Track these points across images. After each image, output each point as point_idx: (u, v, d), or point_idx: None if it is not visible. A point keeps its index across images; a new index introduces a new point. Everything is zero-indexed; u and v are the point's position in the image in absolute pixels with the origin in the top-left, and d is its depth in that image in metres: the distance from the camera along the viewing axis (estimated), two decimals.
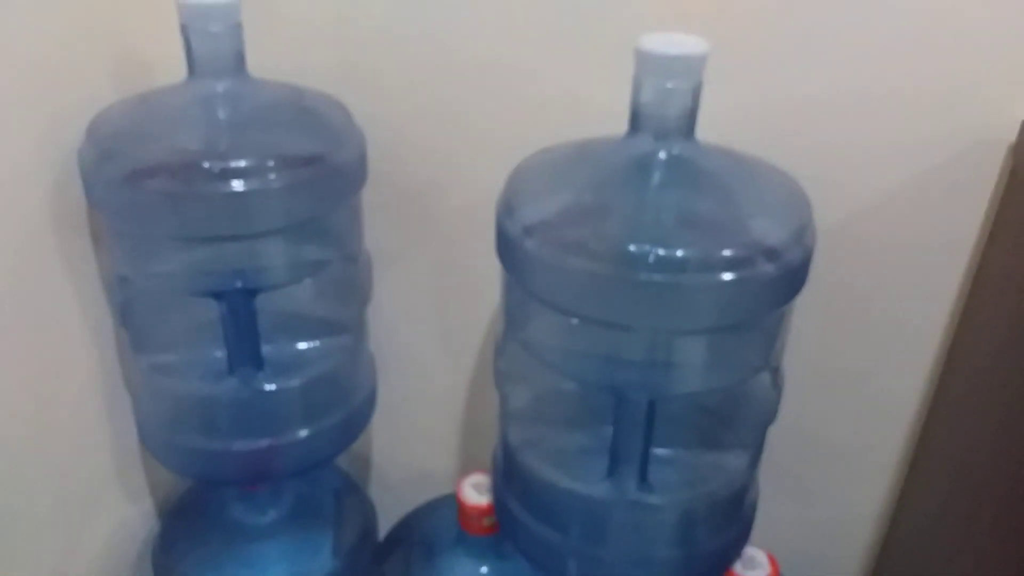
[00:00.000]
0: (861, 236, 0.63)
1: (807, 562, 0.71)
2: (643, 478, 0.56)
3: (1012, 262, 0.57)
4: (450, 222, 0.72)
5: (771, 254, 0.48)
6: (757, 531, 0.63)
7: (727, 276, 0.46)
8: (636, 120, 0.50)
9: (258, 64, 0.62)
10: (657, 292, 0.46)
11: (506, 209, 0.53)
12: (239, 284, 0.60)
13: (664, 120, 0.50)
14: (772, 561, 0.62)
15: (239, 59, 0.60)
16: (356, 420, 0.72)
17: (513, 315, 0.57)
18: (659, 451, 0.58)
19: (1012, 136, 0.57)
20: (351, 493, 0.83)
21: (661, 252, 0.46)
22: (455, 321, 0.78)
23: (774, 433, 0.60)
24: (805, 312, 0.57)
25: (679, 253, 0.46)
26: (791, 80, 0.59)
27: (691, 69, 0.48)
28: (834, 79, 0.59)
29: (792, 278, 0.50)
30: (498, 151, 0.59)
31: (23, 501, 0.63)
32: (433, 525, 0.74)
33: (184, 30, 0.57)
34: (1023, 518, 0.53)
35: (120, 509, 0.75)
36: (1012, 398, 0.56)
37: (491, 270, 0.57)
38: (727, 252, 0.47)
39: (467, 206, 0.71)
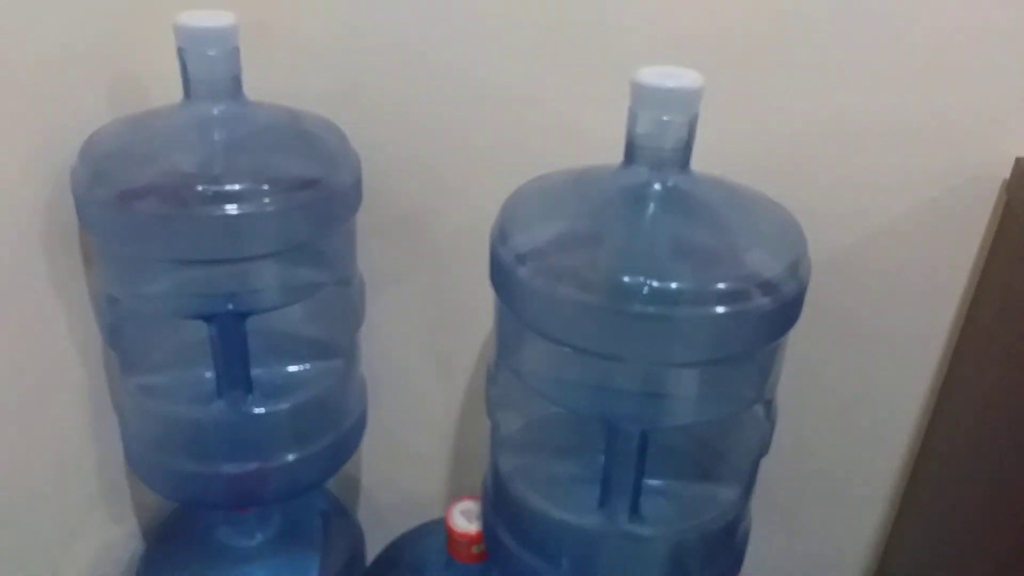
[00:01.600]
0: (856, 267, 0.63)
1: None
2: (635, 509, 0.55)
3: (1007, 295, 0.57)
4: (445, 246, 0.72)
5: (766, 287, 0.48)
6: (748, 563, 0.62)
7: (721, 309, 0.46)
8: (631, 152, 0.50)
9: (255, 87, 0.61)
10: (650, 324, 0.46)
11: (500, 236, 0.52)
12: (230, 307, 0.60)
13: (659, 152, 0.50)
14: None
15: (235, 82, 0.60)
16: (345, 444, 0.72)
17: (505, 342, 0.57)
18: (651, 482, 0.57)
19: (1006, 172, 0.58)
20: (339, 516, 0.82)
21: (655, 284, 0.46)
22: (448, 345, 0.78)
23: (766, 465, 0.59)
24: (799, 343, 0.57)
25: (673, 285, 0.46)
26: (787, 113, 0.60)
27: (687, 102, 0.48)
28: (830, 113, 0.59)
29: (786, 311, 0.50)
30: (493, 177, 0.59)
31: (7, 521, 0.62)
32: (421, 551, 0.74)
33: (181, 53, 0.57)
34: (1017, 555, 0.53)
35: (105, 530, 0.75)
36: (1008, 432, 0.55)
37: (485, 295, 0.56)
38: (721, 285, 0.46)
39: (462, 231, 0.71)
